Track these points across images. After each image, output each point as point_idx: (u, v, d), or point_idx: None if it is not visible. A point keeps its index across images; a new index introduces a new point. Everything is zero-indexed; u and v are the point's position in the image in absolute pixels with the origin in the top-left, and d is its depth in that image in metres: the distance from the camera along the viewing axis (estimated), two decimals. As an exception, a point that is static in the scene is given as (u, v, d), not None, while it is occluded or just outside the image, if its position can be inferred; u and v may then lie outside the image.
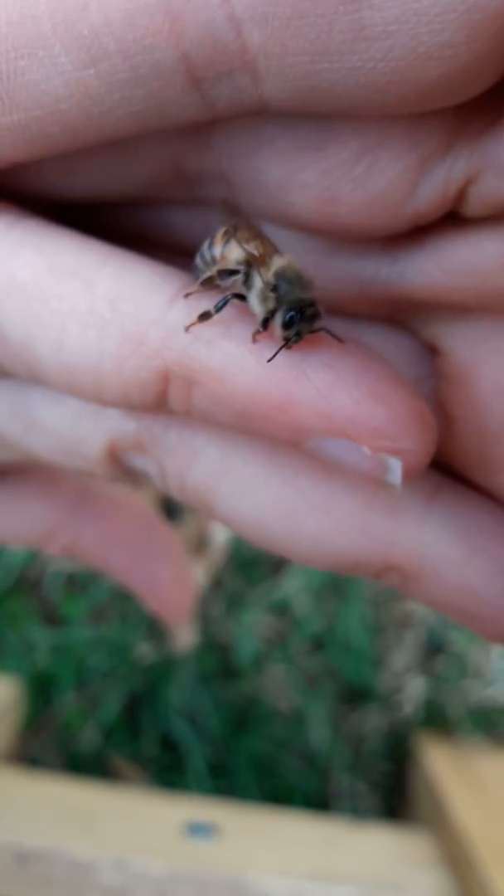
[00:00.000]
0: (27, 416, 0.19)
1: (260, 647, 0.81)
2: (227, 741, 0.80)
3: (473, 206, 0.15)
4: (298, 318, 0.15)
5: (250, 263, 0.16)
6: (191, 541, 0.82)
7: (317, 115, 0.14)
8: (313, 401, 0.14)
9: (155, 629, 0.82)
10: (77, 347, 0.15)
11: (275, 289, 0.15)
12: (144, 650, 0.81)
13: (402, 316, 0.18)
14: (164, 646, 0.81)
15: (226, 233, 0.17)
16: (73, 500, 0.26)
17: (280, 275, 0.16)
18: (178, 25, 0.12)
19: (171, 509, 0.82)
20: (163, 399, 0.16)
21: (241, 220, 0.17)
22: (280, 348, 0.15)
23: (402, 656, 0.82)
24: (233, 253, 0.17)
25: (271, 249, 0.17)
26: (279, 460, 0.17)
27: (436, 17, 0.11)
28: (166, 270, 0.16)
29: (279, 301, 0.15)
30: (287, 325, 0.15)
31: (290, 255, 0.17)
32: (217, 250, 0.17)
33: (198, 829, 0.60)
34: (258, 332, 0.15)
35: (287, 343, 0.15)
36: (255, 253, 0.16)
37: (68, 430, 0.18)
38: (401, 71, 0.12)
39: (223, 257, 0.17)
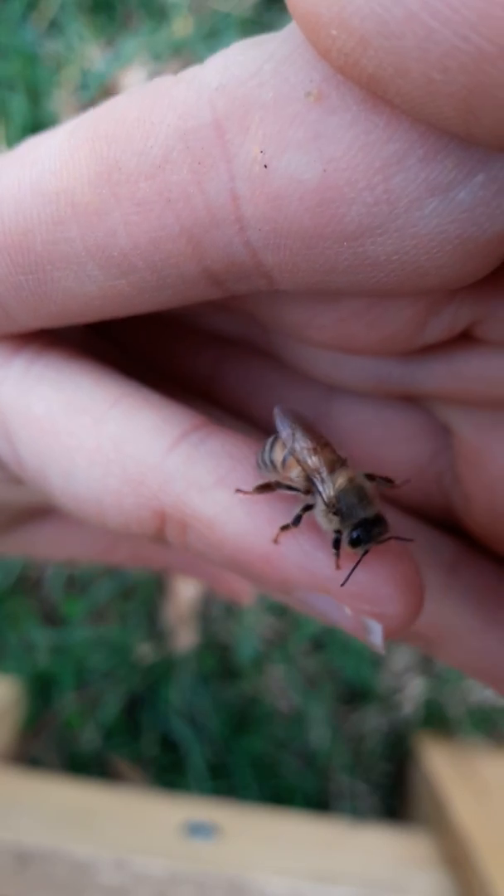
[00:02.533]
0: None
1: (260, 647, 0.81)
2: (227, 741, 0.80)
3: (484, 337, 0.16)
4: (366, 538, 0.15)
5: (311, 480, 0.17)
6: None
7: None
8: (297, 557, 0.15)
9: (155, 629, 0.82)
10: (83, 480, 0.16)
11: (337, 511, 0.16)
12: (144, 650, 0.81)
13: (420, 401, 0.19)
14: (163, 646, 0.81)
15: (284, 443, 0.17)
16: None
17: (342, 496, 0.16)
18: (199, 249, 0.13)
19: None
20: (161, 534, 0.17)
21: (300, 426, 0.17)
22: (353, 567, 0.15)
23: (402, 656, 0.82)
24: (293, 468, 0.17)
25: (332, 458, 0.17)
26: None
27: (433, 249, 0.12)
28: (172, 413, 0.17)
29: (343, 522, 0.16)
30: (354, 545, 0.15)
31: (350, 469, 0.17)
32: (277, 456, 0.17)
33: (198, 829, 0.60)
34: (336, 555, 0.15)
35: (359, 561, 0.15)
36: (317, 471, 0.16)
37: None
38: (401, 284, 0.13)
39: (285, 468, 0.17)
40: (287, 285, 0.14)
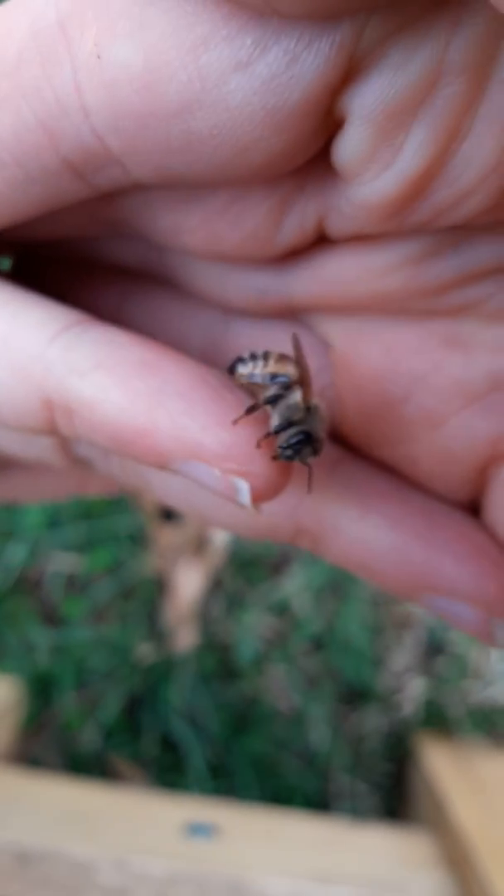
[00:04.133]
0: None
1: (260, 647, 0.81)
2: (227, 741, 0.80)
3: (331, 234, 0.18)
4: (304, 443, 0.17)
5: (296, 384, 0.18)
6: (191, 541, 0.82)
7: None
8: (168, 428, 0.16)
9: (155, 630, 0.82)
10: None
11: (308, 410, 0.18)
12: (144, 650, 0.81)
13: (300, 316, 0.21)
14: (164, 646, 0.81)
15: (282, 357, 0.19)
16: None
17: (315, 406, 0.18)
18: (54, 139, 0.15)
19: (170, 512, 0.82)
20: (53, 425, 0.18)
21: (299, 354, 0.19)
22: (276, 456, 0.17)
23: (402, 656, 0.82)
24: (287, 367, 0.18)
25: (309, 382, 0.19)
26: None
27: (245, 122, 0.14)
28: (57, 310, 0.18)
29: (302, 421, 0.17)
30: (292, 443, 0.17)
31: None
32: (271, 367, 0.19)
33: (198, 829, 0.60)
34: (267, 435, 0.17)
35: (282, 453, 0.17)
36: (307, 379, 0.18)
37: None
38: (230, 161, 0.15)
39: (272, 364, 0.19)
40: (139, 172, 0.16)
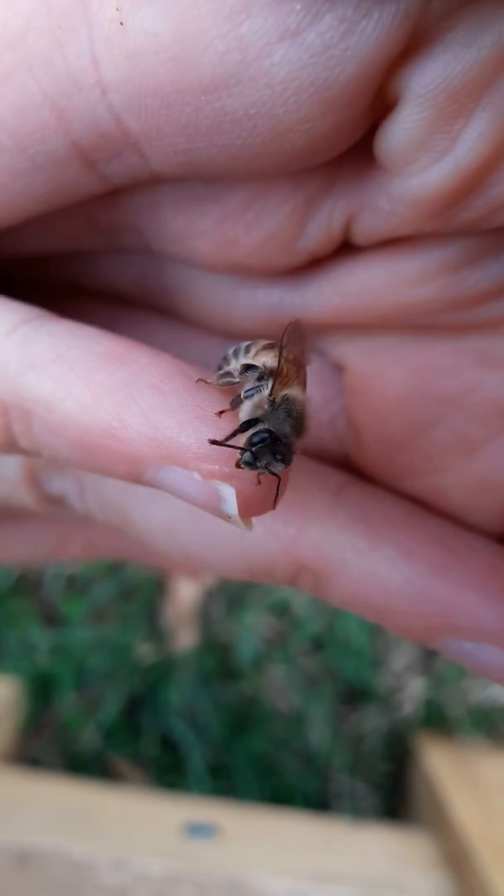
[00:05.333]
0: None
1: (260, 647, 0.81)
2: (227, 741, 0.80)
3: (359, 238, 0.16)
4: (267, 444, 0.14)
5: (270, 375, 0.15)
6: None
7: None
8: (139, 426, 0.14)
9: (155, 630, 0.82)
10: None
11: (272, 405, 0.15)
12: (144, 651, 0.81)
13: (312, 338, 0.19)
14: (164, 646, 0.81)
15: (269, 346, 0.16)
16: None
17: (286, 400, 0.15)
18: (64, 118, 0.13)
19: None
20: (9, 434, 0.15)
21: (294, 342, 0.16)
22: (237, 455, 0.14)
23: (402, 656, 0.82)
24: (264, 357, 0.16)
25: (296, 379, 0.16)
26: None
27: (290, 99, 0.12)
28: (16, 305, 0.16)
29: (266, 419, 0.15)
30: (253, 443, 0.14)
31: (307, 398, 0.16)
32: (250, 357, 0.16)
33: (198, 830, 0.60)
34: (233, 434, 0.14)
35: (242, 457, 0.14)
36: (283, 369, 0.15)
37: None
38: (266, 144, 0.13)
39: (255, 356, 0.16)
40: (159, 160, 0.14)
